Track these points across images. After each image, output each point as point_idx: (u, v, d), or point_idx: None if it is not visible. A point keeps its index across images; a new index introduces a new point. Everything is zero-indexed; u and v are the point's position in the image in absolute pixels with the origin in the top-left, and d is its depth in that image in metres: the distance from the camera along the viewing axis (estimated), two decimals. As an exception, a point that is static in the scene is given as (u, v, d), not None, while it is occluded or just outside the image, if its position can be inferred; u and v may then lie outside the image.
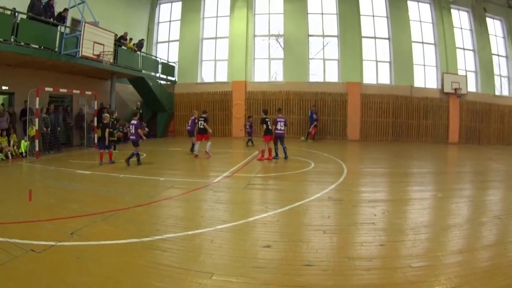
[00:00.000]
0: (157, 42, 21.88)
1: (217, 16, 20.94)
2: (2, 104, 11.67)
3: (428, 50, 20.04)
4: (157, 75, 19.00)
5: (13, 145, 11.17)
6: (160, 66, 19.17)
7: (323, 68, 20.00)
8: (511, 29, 20.78)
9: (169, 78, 20.15)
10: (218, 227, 4.71)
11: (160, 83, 19.67)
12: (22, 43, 10.71)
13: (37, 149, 11.12)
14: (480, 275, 3.35)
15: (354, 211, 5.71)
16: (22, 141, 11.43)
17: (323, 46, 20.04)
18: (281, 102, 18.98)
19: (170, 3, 21.84)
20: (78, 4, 12.10)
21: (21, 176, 9.02)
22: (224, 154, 12.47)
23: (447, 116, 19.21)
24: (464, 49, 20.23)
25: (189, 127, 12.58)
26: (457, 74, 19.30)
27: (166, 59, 20.50)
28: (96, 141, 13.84)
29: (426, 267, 3.54)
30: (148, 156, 11.62)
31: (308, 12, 19.94)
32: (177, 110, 20.28)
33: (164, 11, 22.01)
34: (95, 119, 13.97)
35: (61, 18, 12.35)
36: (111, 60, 13.49)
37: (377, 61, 19.77)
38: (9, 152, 10.83)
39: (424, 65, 19.96)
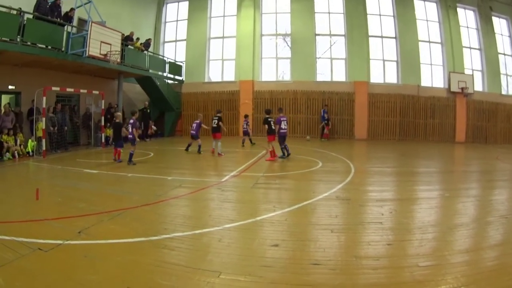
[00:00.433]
0: (164, 42, 21.92)
1: (224, 16, 20.97)
2: (8, 104, 11.73)
3: (434, 49, 19.90)
4: (165, 74, 19.06)
5: (20, 145, 11.23)
6: (167, 66, 19.24)
7: (331, 67, 19.95)
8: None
9: (177, 77, 20.20)
10: (226, 226, 4.71)
11: (168, 83, 19.78)
12: (29, 43, 10.77)
13: (44, 148, 11.18)
14: (487, 275, 3.33)
15: (362, 210, 5.70)
16: (29, 140, 11.50)
17: (330, 45, 19.99)
18: (289, 101, 18.98)
19: (177, 3, 21.88)
20: (85, 4, 12.17)
21: (28, 175, 9.08)
22: (231, 154, 12.45)
23: (454, 115, 19.08)
24: (470, 48, 20.05)
25: (193, 131, 12.33)
26: (463, 73, 19.15)
27: (173, 59, 20.54)
28: (103, 140, 13.96)
29: (433, 267, 3.52)
30: (156, 155, 11.66)
31: (315, 11, 19.88)
32: (184, 109, 20.31)
33: (171, 11, 22.05)
34: (103, 118, 14.06)
35: (68, 18, 12.44)
36: (118, 60, 13.56)
37: (384, 60, 19.67)
38: (16, 152, 10.87)
39: (431, 64, 19.82)
